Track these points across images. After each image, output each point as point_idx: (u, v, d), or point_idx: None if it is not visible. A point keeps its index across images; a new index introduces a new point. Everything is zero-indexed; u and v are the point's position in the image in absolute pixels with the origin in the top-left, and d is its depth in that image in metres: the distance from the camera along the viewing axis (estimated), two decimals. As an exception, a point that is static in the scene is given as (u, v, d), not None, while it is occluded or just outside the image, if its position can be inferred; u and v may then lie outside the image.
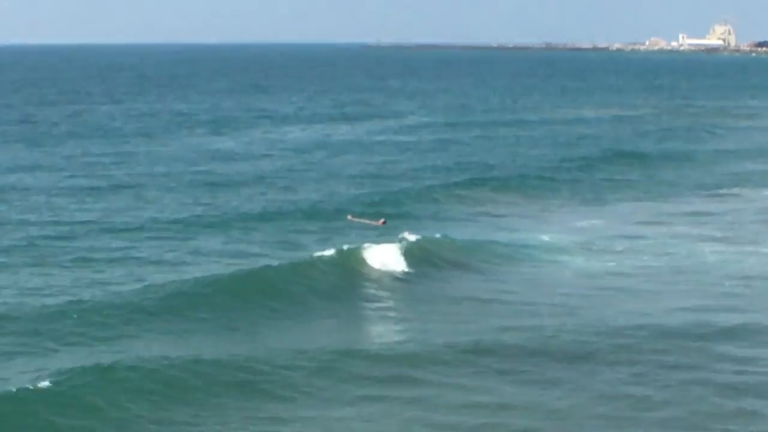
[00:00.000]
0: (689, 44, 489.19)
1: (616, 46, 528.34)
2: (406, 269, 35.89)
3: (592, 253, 39.16)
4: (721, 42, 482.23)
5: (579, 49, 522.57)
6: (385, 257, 36.41)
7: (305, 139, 78.99)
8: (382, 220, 43.33)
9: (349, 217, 44.21)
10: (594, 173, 62.01)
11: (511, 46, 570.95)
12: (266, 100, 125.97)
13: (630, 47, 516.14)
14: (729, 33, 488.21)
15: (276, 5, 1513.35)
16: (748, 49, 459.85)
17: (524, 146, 75.61)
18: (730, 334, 28.64)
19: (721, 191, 55.86)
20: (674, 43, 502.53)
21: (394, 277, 35.38)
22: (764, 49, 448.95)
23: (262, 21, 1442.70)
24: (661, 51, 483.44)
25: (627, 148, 73.64)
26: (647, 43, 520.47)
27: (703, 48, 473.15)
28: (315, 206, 47.63)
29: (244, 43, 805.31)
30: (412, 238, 38.40)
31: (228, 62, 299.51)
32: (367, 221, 43.26)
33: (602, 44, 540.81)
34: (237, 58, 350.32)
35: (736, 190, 55.85)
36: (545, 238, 41.46)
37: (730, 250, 39.92)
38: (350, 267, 35.41)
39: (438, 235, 39.57)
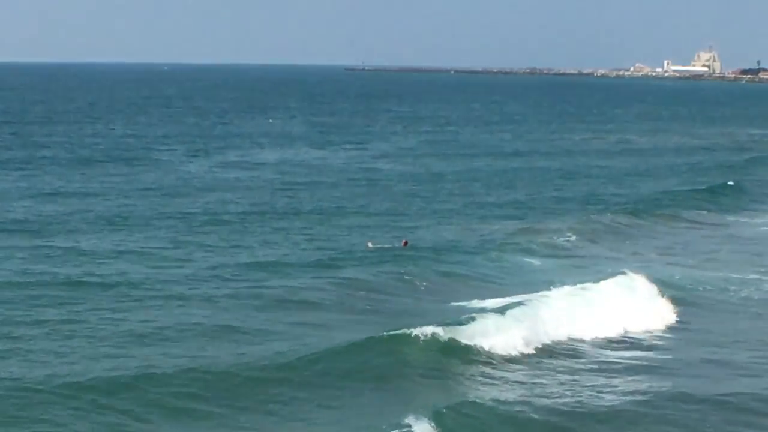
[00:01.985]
0: (674, 70, 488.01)
1: (601, 71, 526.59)
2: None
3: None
4: (705, 69, 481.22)
5: (564, 74, 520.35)
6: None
7: (325, 164, 73.94)
8: (404, 242, 41.70)
9: (369, 244, 41.73)
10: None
11: (495, 70, 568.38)
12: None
13: (615, 73, 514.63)
14: (714, 60, 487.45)
15: (256, 26, 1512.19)
16: (733, 76, 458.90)
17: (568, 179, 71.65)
18: None
19: None
20: (659, 69, 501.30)
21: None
22: (749, 76, 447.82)
23: (244, 42, 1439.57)
24: (646, 77, 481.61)
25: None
26: (632, 69, 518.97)
27: (687, 74, 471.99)
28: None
29: (225, 63, 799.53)
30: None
31: (208, 83, 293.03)
32: (388, 246, 41.51)
33: (587, 70, 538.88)
34: (216, 80, 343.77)
35: None
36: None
37: None
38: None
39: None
